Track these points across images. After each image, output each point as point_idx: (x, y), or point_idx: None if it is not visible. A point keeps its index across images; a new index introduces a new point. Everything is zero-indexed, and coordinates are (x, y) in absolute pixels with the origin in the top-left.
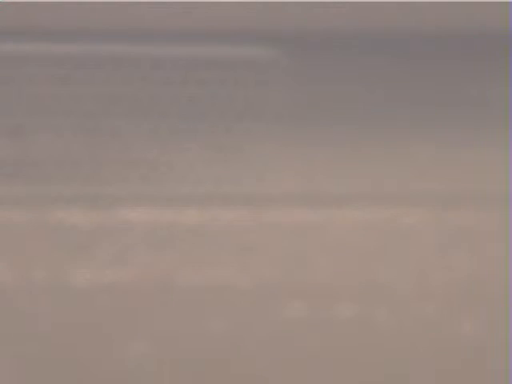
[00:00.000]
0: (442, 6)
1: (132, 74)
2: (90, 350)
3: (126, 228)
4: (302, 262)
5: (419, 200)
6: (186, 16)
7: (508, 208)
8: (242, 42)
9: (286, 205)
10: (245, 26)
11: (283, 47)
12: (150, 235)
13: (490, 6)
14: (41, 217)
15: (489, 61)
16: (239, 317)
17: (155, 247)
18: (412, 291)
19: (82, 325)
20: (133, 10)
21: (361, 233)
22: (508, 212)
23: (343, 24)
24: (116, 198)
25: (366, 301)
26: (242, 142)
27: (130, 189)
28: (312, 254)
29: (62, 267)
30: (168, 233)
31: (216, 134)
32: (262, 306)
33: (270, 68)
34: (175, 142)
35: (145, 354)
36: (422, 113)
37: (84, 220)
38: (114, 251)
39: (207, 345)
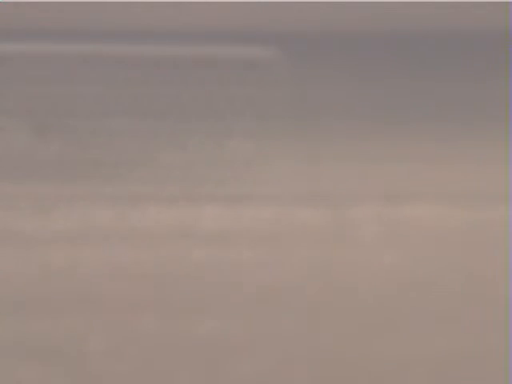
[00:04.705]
0: (442, 6)
1: (132, 74)
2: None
3: (123, 228)
4: (301, 261)
5: (419, 199)
6: (186, 16)
7: (508, 208)
8: (242, 42)
9: (285, 204)
10: (245, 26)
11: (283, 47)
12: (148, 235)
13: (490, 6)
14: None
15: (489, 61)
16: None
17: (149, 248)
18: (410, 291)
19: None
20: (133, 10)
21: (360, 232)
22: (508, 212)
23: (343, 24)
24: (116, 198)
25: (365, 301)
26: (242, 142)
27: (129, 188)
28: (313, 253)
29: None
30: (166, 232)
31: (216, 133)
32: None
33: (270, 68)
34: (175, 142)
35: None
36: (422, 112)
37: (83, 219)
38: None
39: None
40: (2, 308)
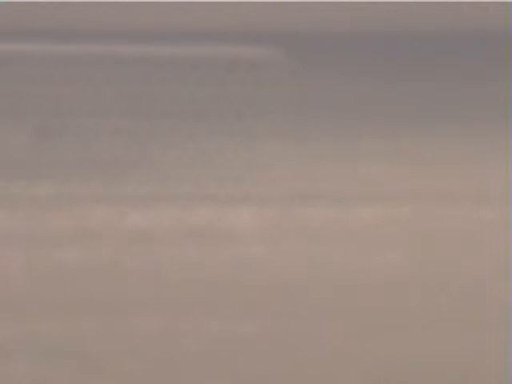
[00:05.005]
0: (442, 6)
1: (132, 74)
2: None
3: (123, 228)
4: (301, 261)
5: (419, 199)
6: (186, 16)
7: (508, 208)
8: (241, 42)
9: (285, 204)
10: (245, 26)
11: (283, 47)
12: (148, 235)
13: (490, 6)
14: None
15: (489, 61)
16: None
17: (149, 248)
18: (411, 291)
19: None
20: (133, 10)
21: (360, 232)
22: (508, 212)
23: (343, 24)
24: (116, 198)
25: (366, 301)
26: (242, 142)
27: (130, 189)
28: (313, 254)
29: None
30: (166, 232)
31: (216, 134)
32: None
33: (270, 68)
34: (175, 142)
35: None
36: (421, 112)
37: (82, 219)
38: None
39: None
40: (2, 308)
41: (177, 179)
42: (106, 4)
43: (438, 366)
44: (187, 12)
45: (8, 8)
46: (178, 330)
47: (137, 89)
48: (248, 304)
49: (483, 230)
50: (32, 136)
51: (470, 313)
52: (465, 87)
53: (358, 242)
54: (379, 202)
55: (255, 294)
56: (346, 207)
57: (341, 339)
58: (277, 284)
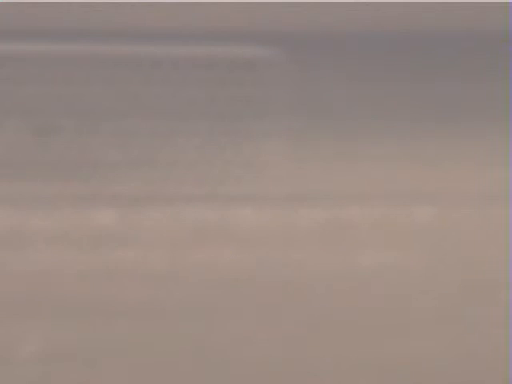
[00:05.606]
0: (442, 6)
1: (132, 74)
2: None
3: (123, 228)
4: (302, 260)
5: (419, 199)
6: (186, 16)
7: (508, 208)
8: (241, 42)
9: (285, 204)
10: (245, 26)
11: (283, 47)
12: (148, 235)
13: (490, 6)
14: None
15: (489, 61)
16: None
17: (149, 248)
18: (411, 291)
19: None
20: (133, 9)
21: (360, 232)
22: (508, 212)
23: (343, 24)
24: (116, 198)
25: (365, 303)
26: (242, 142)
27: (129, 188)
28: (313, 253)
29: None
30: (166, 232)
31: (216, 134)
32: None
33: (270, 68)
34: (175, 142)
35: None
36: (422, 112)
37: (80, 220)
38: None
39: None
40: (2, 308)
41: (177, 179)
42: (105, 4)
43: (438, 366)
44: (187, 12)
45: (8, 8)
46: (178, 330)
47: (137, 89)
48: (248, 302)
49: (483, 229)
50: (32, 136)
51: (469, 313)
52: (465, 87)
53: (357, 242)
54: (379, 201)
55: (256, 292)
56: (345, 207)
57: (340, 339)
58: (277, 283)
